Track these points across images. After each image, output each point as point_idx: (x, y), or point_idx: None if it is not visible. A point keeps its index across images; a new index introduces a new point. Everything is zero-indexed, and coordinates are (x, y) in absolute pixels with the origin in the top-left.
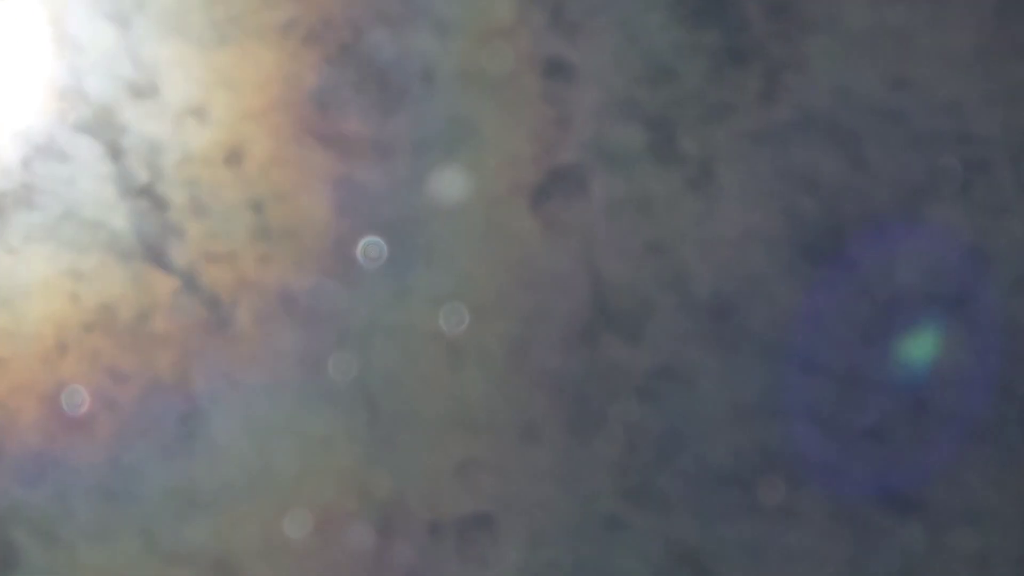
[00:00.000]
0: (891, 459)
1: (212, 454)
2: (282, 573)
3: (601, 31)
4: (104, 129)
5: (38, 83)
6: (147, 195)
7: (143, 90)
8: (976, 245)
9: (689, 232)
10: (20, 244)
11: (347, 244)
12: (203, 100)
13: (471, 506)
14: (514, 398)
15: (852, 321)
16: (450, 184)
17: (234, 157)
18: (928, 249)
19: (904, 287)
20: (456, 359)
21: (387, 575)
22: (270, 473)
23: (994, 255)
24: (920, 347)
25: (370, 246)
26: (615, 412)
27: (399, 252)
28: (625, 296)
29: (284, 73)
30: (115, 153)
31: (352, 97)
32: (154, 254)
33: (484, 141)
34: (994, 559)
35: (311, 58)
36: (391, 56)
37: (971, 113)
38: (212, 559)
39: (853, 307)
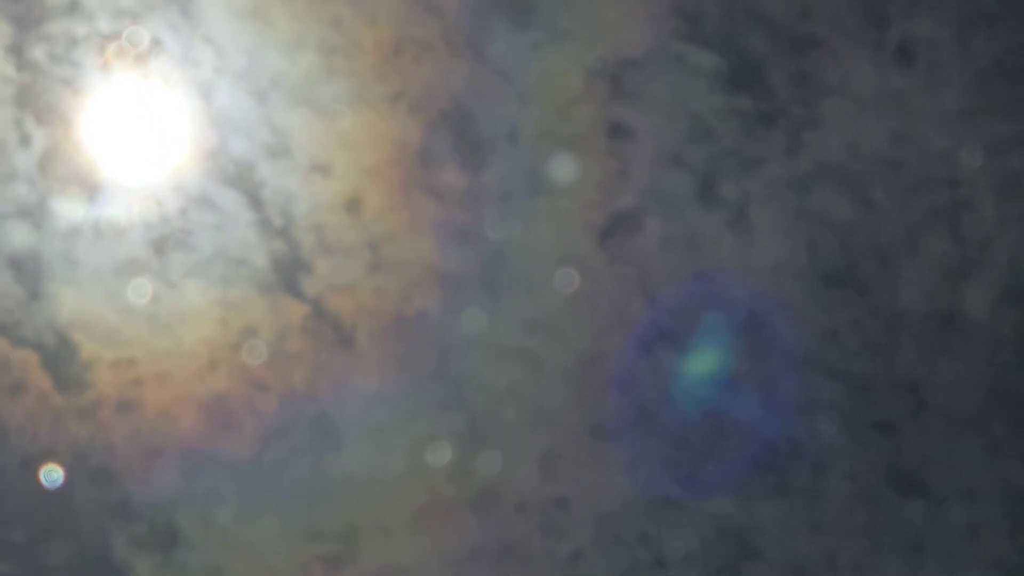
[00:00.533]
0: (896, 449)
1: (337, 451)
2: (396, 548)
3: (654, 98)
4: (246, 183)
5: (192, 146)
6: (282, 237)
7: (278, 151)
8: (963, 272)
9: (729, 263)
10: (178, 279)
11: (449, 277)
12: (328, 159)
13: (551, 490)
14: (586, 401)
15: (859, 333)
16: (531, 225)
17: (354, 205)
18: (925, 275)
19: (908, 307)
20: (540, 370)
21: (482, 548)
22: (386, 466)
23: (979, 278)
24: (918, 356)
25: None
26: (668, 412)
27: (491, 281)
28: (676, 316)
29: (394, 136)
30: (255, 203)
31: (450, 155)
32: (288, 286)
33: (559, 189)
34: (984, 530)
35: (416, 123)
36: (482, 121)
37: (959, 161)
38: (339, 536)
39: (862, 320)
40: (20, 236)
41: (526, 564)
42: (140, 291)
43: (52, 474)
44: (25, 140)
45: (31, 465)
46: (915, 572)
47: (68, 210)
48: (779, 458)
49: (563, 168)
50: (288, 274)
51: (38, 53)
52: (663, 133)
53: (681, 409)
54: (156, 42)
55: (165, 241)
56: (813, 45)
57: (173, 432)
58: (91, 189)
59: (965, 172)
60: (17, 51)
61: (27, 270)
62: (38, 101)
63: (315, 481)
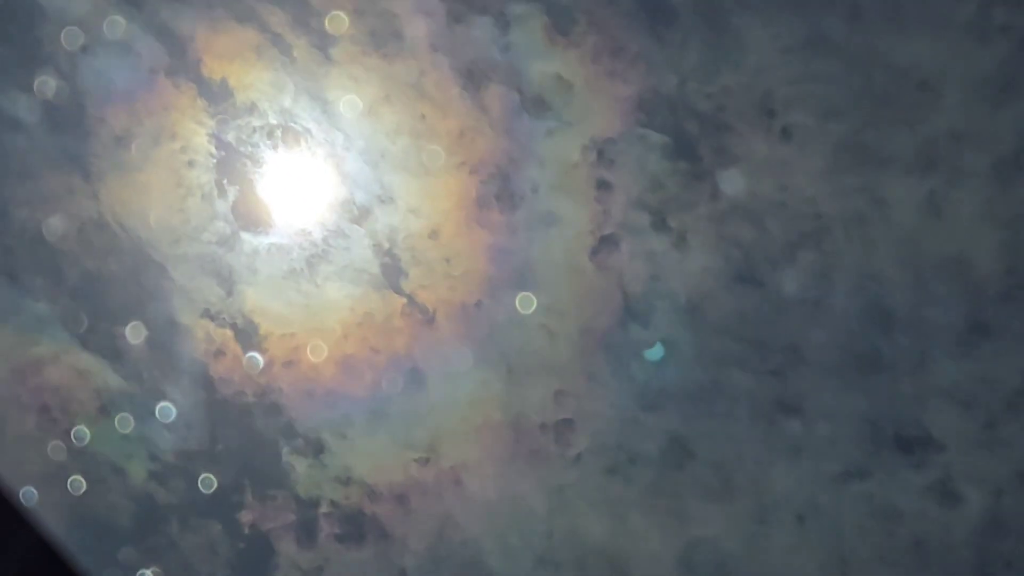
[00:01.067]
0: (782, 387)
1: (426, 392)
2: (466, 451)
3: (625, 164)
4: (365, 220)
5: (329, 197)
6: (391, 255)
7: (386, 200)
8: (825, 274)
9: (674, 269)
10: (322, 281)
11: (498, 279)
12: (418, 204)
13: (561, 414)
14: (583, 357)
15: (758, 313)
16: (548, 245)
17: (434, 234)
18: (800, 275)
19: (790, 296)
20: (553, 338)
21: (518, 452)
22: (456, 400)
23: (835, 277)
24: (796, 327)
25: None
26: (636, 364)
27: (522, 281)
28: (640, 303)
29: (460, 189)
30: (371, 233)
31: (496, 202)
32: (393, 286)
33: (565, 222)
34: (839, 438)
35: (475, 181)
36: (516, 179)
37: (820, 201)
38: (427, 445)
39: (760, 305)
40: (220, 255)
41: (545, 463)
42: (297, 289)
43: None
44: (223, 193)
45: (230, 401)
46: (796, 466)
47: (251, 239)
48: (711, 390)
49: (567, 209)
50: (392, 278)
51: (231, 137)
52: (631, 186)
53: (644, 361)
54: (306, 129)
55: (314, 258)
56: (727, 129)
57: (320, 379)
58: (265, 225)
59: (825, 209)
60: (217, 136)
61: (224, 277)
62: (231, 168)
63: (412, 411)
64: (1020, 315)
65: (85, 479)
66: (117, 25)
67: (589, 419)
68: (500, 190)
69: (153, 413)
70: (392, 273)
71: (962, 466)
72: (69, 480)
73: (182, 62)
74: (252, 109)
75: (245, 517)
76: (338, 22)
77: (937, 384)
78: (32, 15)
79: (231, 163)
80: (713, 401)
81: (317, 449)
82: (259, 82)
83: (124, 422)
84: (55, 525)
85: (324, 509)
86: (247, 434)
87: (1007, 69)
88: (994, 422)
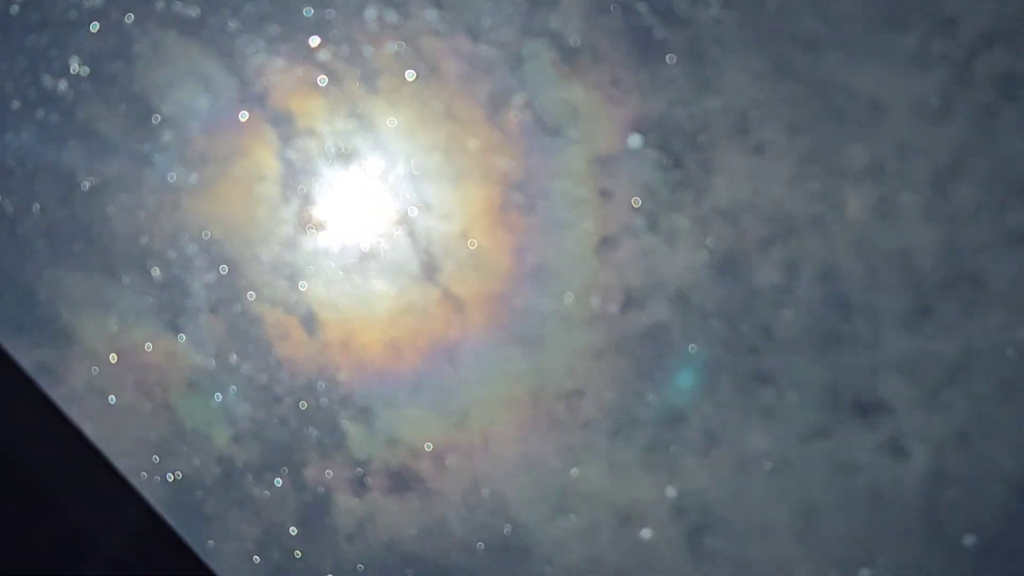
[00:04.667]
0: (758, 362)
1: (459, 368)
2: (493, 417)
3: (624, 176)
4: (406, 224)
5: (376, 205)
6: (428, 253)
7: (423, 207)
8: (792, 266)
9: (665, 264)
10: (371, 277)
11: (518, 273)
12: (450, 210)
13: (573, 386)
14: (591, 340)
15: (736, 299)
16: (559, 245)
17: (464, 235)
18: (773, 266)
19: (763, 284)
20: (565, 323)
21: (537, 418)
22: (484, 375)
23: (801, 269)
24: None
25: None
26: (635, 345)
27: (538, 274)
28: (638, 292)
29: (486, 197)
30: (411, 235)
31: (516, 208)
32: (430, 279)
33: (574, 225)
34: (806, 407)
35: (498, 190)
36: (532, 188)
37: (787, 204)
38: (460, 413)
39: (738, 292)
40: (285, 255)
41: (559, 427)
42: (350, 283)
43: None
44: (287, 203)
45: (296, 376)
46: (770, 428)
47: (310, 241)
48: (695, 367)
49: (576, 214)
50: (429, 273)
51: (293, 155)
52: (629, 193)
53: (644, 346)
54: (355, 149)
55: (363, 257)
56: (709, 145)
57: (370, 358)
58: (322, 230)
59: (791, 211)
60: (282, 155)
61: (289, 274)
62: (293, 182)
63: (446, 383)
64: (957, 299)
65: (176, 445)
66: (200, 64)
67: (597, 390)
68: (519, 198)
69: (232, 387)
70: (429, 269)
71: (909, 427)
72: (163, 447)
73: (252, 94)
74: (310, 132)
75: (308, 473)
76: (383, 59)
77: (888, 358)
78: (141, 86)
79: (293, 177)
80: (701, 374)
81: (368, 416)
82: (316, 109)
83: (208, 395)
84: (154, 491)
85: (375, 466)
86: (309, 403)
87: (945, 91)
88: (937, 389)
